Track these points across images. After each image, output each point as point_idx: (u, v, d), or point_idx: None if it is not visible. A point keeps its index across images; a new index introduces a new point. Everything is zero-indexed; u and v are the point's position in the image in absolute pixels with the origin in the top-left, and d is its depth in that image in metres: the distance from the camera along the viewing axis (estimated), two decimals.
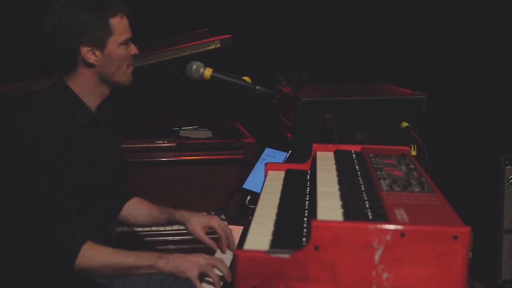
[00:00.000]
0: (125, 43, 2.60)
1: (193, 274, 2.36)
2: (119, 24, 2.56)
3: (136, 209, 2.95)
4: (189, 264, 2.38)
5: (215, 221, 2.77)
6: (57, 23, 2.50)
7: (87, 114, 2.60)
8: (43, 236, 2.40)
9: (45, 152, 2.41)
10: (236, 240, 2.79)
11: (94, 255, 2.41)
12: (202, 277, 2.39)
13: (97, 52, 2.53)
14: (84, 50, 2.51)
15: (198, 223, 2.77)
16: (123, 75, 2.63)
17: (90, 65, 2.55)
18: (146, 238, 3.50)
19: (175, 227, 3.44)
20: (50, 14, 2.52)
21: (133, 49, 2.65)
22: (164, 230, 3.52)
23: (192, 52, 3.71)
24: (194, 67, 2.91)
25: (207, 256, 2.43)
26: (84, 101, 2.60)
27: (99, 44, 2.52)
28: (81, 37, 2.49)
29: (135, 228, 3.46)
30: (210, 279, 2.36)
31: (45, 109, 2.51)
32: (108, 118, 2.72)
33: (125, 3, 2.61)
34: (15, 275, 2.63)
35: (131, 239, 3.44)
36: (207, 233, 2.78)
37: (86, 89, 2.59)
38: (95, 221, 2.63)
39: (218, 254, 2.69)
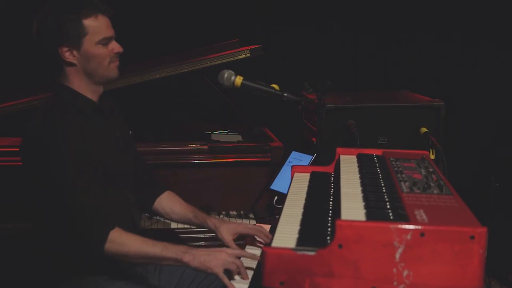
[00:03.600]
0: (103, 42, 2.58)
1: (219, 270, 2.34)
2: (94, 24, 2.55)
3: (170, 207, 2.94)
4: (215, 261, 2.35)
5: (243, 227, 2.76)
6: (37, 27, 2.56)
7: (89, 104, 2.62)
8: (72, 224, 2.41)
9: (69, 144, 2.43)
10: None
11: (122, 241, 2.41)
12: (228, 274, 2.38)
13: (74, 52, 2.55)
14: (62, 50, 2.54)
15: (228, 231, 2.74)
16: (106, 71, 2.62)
17: (71, 64, 2.57)
18: (180, 235, 3.50)
19: None
20: (34, 19, 2.57)
21: (116, 48, 2.62)
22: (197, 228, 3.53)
23: (224, 61, 3.71)
24: (226, 75, 2.92)
25: (231, 252, 2.41)
26: (84, 94, 2.62)
27: (75, 44, 2.54)
28: (58, 38, 2.52)
29: (170, 226, 3.49)
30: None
31: (55, 108, 2.54)
32: (110, 109, 2.74)
33: (103, 3, 2.60)
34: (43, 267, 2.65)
35: (165, 235, 3.45)
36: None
37: (80, 86, 2.61)
38: (116, 206, 2.61)
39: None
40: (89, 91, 2.63)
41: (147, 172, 2.98)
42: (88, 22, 2.53)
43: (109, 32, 2.60)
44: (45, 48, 2.57)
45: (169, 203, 2.95)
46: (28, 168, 2.55)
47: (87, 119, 2.59)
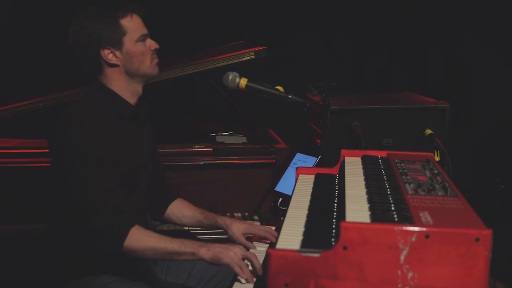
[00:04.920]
0: (142, 39, 2.66)
1: (231, 261, 2.38)
2: (130, 24, 2.63)
3: (180, 211, 2.98)
4: (227, 252, 2.41)
5: (254, 228, 2.82)
6: (75, 35, 2.61)
7: (127, 107, 2.68)
8: (93, 221, 2.44)
9: (93, 144, 2.49)
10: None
11: (142, 238, 2.45)
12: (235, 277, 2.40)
13: (117, 53, 2.62)
14: (105, 53, 2.60)
15: (239, 229, 2.80)
16: (148, 68, 2.69)
17: (114, 66, 2.63)
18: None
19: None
20: (69, 29, 2.63)
21: (153, 44, 2.70)
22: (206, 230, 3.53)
23: (228, 63, 3.71)
24: (230, 77, 2.92)
25: (244, 249, 2.48)
26: (122, 97, 2.67)
27: (116, 44, 2.61)
28: (98, 42, 2.58)
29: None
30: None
31: (90, 106, 2.60)
32: (144, 113, 2.80)
33: (134, 3, 2.68)
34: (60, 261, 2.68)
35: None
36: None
37: (120, 87, 2.66)
38: (135, 210, 2.67)
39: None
40: (129, 93, 2.69)
41: (162, 179, 3.01)
42: (125, 22, 2.62)
43: (144, 29, 2.69)
44: (85, 53, 2.61)
45: (179, 208, 2.99)
46: (54, 159, 2.61)
47: (122, 121, 2.65)
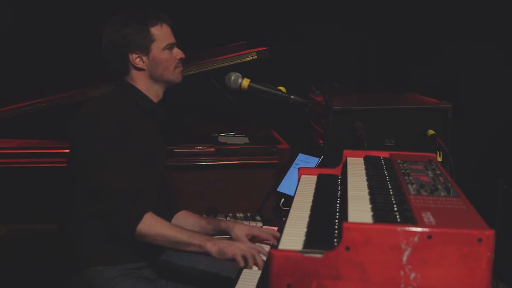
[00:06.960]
0: (168, 47, 2.81)
1: (236, 254, 2.51)
2: (159, 32, 2.78)
3: (184, 220, 3.02)
4: (232, 248, 2.53)
5: (257, 230, 2.89)
6: (108, 39, 2.76)
7: (149, 102, 2.82)
8: (111, 201, 2.55)
9: (119, 129, 2.63)
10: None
11: (154, 224, 2.57)
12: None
13: (144, 58, 2.76)
14: (133, 57, 2.75)
15: (242, 231, 2.87)
16: (171, 75, 2.84)
17: (140, 69, 2.78)
18: None
19: None
20: (103, 33, 2.78)
21: (179, 54, 2.86)
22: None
23: (231, 63, 3.73)
24: (232, 77, 2.93)
25: (249, 244, 2.61)
26: (147, 95, 2.82)
27: (144, 50, 2.76)
28: (128, 46, 2.73)
29: None
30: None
31: (116, 97, 2.77)
32: (162, 116, 2.92)
33: (165, 14, 2.83)
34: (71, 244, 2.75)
35: None
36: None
37: (144, 88, 2.81)
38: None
39: None
40: (151, 94, 2.83)
41: (169, 191, 3.06)
42: (155, 30, 2.78)
43: (172, 39, 2.84)
44: (115, 56, 2.77)
45: (183, 218, 3.04)
46: (77, 141, 2.70)
47: (144, 116, 2.79)
